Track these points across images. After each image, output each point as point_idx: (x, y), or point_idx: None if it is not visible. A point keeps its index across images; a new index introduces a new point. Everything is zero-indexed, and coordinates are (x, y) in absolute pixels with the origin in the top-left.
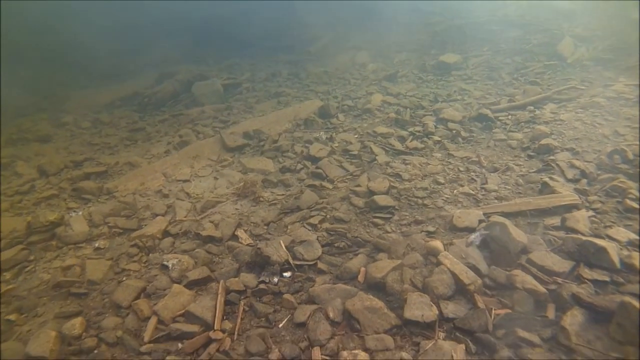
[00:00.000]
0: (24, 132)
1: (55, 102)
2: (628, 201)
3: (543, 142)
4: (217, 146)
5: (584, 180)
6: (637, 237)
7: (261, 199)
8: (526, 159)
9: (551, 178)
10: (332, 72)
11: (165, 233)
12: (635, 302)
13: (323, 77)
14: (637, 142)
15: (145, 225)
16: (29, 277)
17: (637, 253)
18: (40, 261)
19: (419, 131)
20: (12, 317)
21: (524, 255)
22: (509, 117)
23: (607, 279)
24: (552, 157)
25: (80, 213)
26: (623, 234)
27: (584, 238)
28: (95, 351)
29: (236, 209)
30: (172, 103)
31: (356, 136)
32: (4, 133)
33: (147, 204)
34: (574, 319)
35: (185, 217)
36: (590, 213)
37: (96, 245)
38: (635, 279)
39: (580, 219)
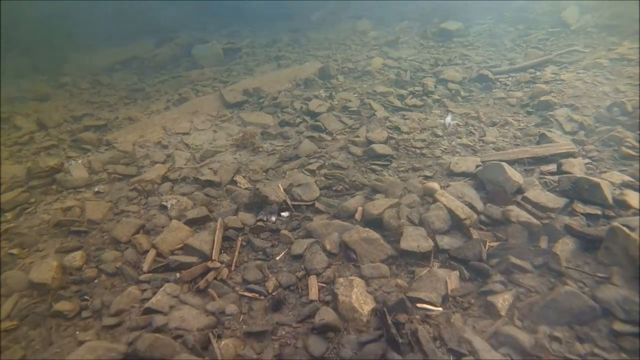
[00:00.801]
0: (23, 91)
1: (54, 65)
2: (624, 149)
3: (542, 98)
4: (217, 102)
5: (582, 132)
6: (631, 179)
7: (260, 149)
8: (525, 115)
9: (549, 131)
10: (333, 39)
11: (164, 178)
12: (623, 228)
13: (324, 43)
14: (637, 97)
15: (145, 172)
16: (30, 218)
17: (630, 191)
18: (40, 204)
19: (418, 90)
20: (14, 251)
21: (519, 195)
22: (510, 78)
23: (599, 212)
24: (550, 113)
25: (80, 161)
26: (617, 176)
27: (578, 175)
28: (96, 280)
29: (235, 158)
30: (171, 66)
31: (355, 95)
32: (2, 92)
33: (147, 153)
34: (565, 247)
35: (184, 165)
36: (587, 160)
37: (96, 189)
38: (626, 213)
39: (577, 164)
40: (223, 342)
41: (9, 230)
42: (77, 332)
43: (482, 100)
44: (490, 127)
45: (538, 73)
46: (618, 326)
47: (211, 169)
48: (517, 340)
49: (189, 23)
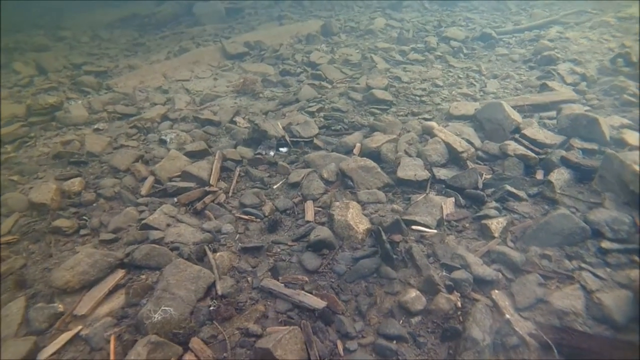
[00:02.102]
0: (21, 43)
1: (52, 20)
2: (626, 96)
3: (545, 54)
4: (218, 54)
5: (584, 83)
6: (631, 122)
7: (260, 95)
8: (527, 69)
9: (551, 83)
10: (336, 1)
11: (164, 117)
12: (618, 154)
13: (326, 4)
14: None
15: (145, 112)
16: (29, 150)
17: (628, 130)
18: (40, 138)
19: (420, 47)
20: (14, 177)
21: (517, 134)
22: (513, 38)
23: (595, 147)
24: (553, 67)
25: (80, 102)
26: (617, 120)
27: (577, 112)
28: (94, 204)
29: (235, 102)
30: (173, 24)
31: (357, 50)
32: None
33: (146, 96)
34: (560, 176)
35: (184, 107)
36: (587, 108)
37: (95, 127)
38: (622, 150)
39: (576, 109)
40: (218, 254)
41: (9, 159)
42: (75, 247)
43: (485, 57)
44: (492, 80)
45: (542, 32)
46: (606, 244)
47: (211, 111)
48: (509, 257)
49: None
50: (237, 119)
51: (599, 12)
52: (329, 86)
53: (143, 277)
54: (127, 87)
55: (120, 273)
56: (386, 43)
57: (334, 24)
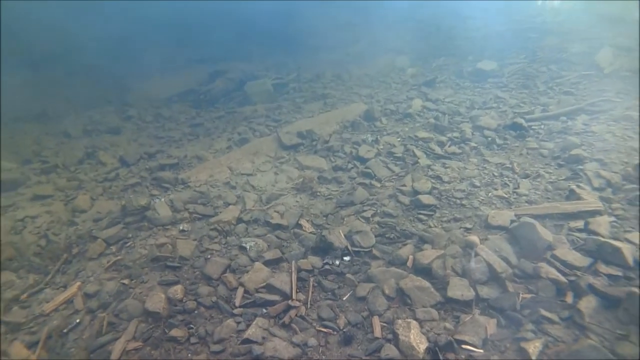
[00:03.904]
0: (96, 123)
1: (117, 95)
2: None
3: (573, 152)
4: (274, 144)
5: (609, 189)
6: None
7: (318, 193)
8: (556, 167)
9: (578, 186)
10: (373, 75)
11: (239, 220)
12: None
13: (365, 79)
14: None
15: (220, 212)
16: (130, 251)
17: None
18: (136, 238)
19: (456, 137)
20: (125, 281)
21: (549, 252)
22: (542, 126)
23: (620, 274)
24: (580, 167)
25: (162, 199)
26: (637, 236)
27: (602, 239)
28: (196, 312)
29: (296, 201)
30: (224, 100)
31: (399, 139)
32: (80, 124)
33: (219, 194)
34: (588, 304)
35: (253, 206)
36: (612, 219)
37: (180, 227)
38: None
39: (602, 224)
40: None
41: (117, 262)
42: (190, 355)
43: (516, 149)
44: (524, 179)
45: (570, 122)
46: None
47: (277, 211)
48: None
49: (234, 51)
50: (302, 222)
51: (623, 95)
52: (378, 185)
53: None
54: (199, 180)
55: None
56: (425, 131)
57: (375, 109)
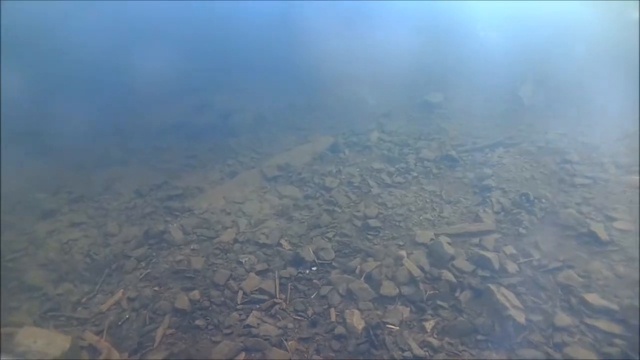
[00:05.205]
0: (103, 156)
1: (118, 129)
2: (520, 229)
3: (485, 182)
4: (259, 176)
5: (502, 213)
6: (515, 252)
7: (293, 218)
8: (472, 194)
9: (484, 210)
10: (340, 106)
11: (235, 240)
12: (493, 287)
13: (332, 111)
14: (544, 187)
15: (220, 234)
16: (156, 266)
17: (510, 261)
18: (159, 256)
19: (403, 167)
20: (156, 288)
21: (450, 262)
22: (470, 157)
23: (488, 275)
24: (488, 194)
25: (175, 225)
26: (510, 249)
27: (482, 252)
28: (210, 308)
29: (277, 224)
30: (212, 132)
31: (358, 170)
32: (88, 158)
33: (218, 219)
34: (465, 296)
35: (245, 229)
36: (499, 236)
37: (192, 247)
38: (506, 275)
39: (491, 240)
40: (289, 342)
41: (148, 275)
42: (209, 337)
43: (447, 178)
44: (447, 205)
45: (489, 154)
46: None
47: (263, 233)
48: (431, 344)
49: (215, 82)
50: (282, 241)
51: (532, 130)
52: (339, 210)
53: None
54: (201, 208)
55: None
56: (379, 163)
57: (340, 141)
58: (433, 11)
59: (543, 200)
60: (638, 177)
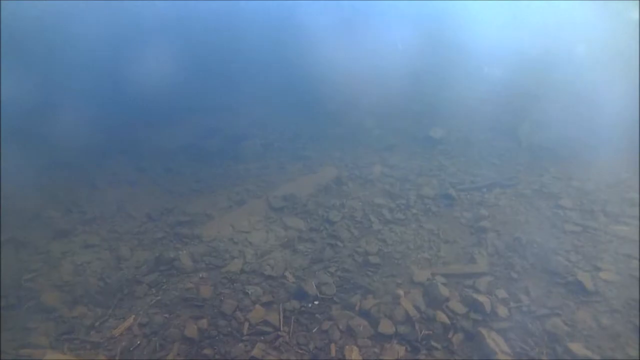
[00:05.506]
0: (116, 174)
1: (128, 146)
2: (512, 273)
3: (481, 223)
4: (265, 205)
5: (497, 256)
6: (507, 296)
7: (298, 250)
8: (468, 235)
9: (479, 252)
10: (344, 135)
11: (242, 270)
12: (484, 332)
13: (337, 142)
14: (537, 232)
15: (228, 264)
16: (166, 293)
17: (501, 305)
18: (169, 283)
19: (403, 204)
20: (166, 315)
21: (445, 303)
22: (468, 196)
23: (480, 318)
24: (484, 236)
25: (185, 252)
26: (502, 293)
27: (475, 296)
28: (217, 337)
29: (282, 256)
30: (220, 158)
31: (360, 204)
32: (103, 175)
33: (226, 248)
34: (457, 338)
35: (251, 259)
36: (491, 278)
37: (200, 275)
38: (496, 318)
39: (483, 283)
40: None
41: (158, 302)
42: None
43: (445, 216)
44: (444, 244)
45: (486, 195)
46: None
47: (269, 264)
48: None
49: (227, 102)
50: (286, 274)
51: (526, 173)
52: (341, 245)
53: None
54: (210, 236)
55: None
56: (381, 198)
57: (344, 174)
58: (440, 43)
59: (535, 246)
60: (625, 227)
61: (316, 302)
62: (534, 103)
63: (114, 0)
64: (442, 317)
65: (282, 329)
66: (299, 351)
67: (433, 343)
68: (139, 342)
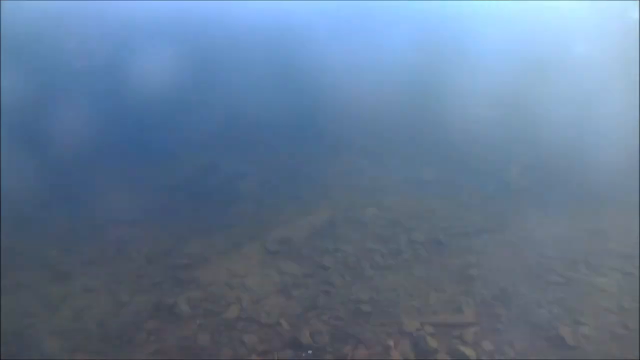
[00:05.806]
0: (115, 211)
1: (125, 184)
2: (498, 324)
3: (469, 271)
4: (261, 249)
5: (483, 305)
6: (492, 348)
7: (292, 296)
8: (456, 283)
9: (466, 302)
10: (338, 175)
11: (238, 318)
12: None
13: (331, 179)
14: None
15: (224, 310)
16: (165, 341)
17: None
18: (167, 330)
19: (395, 249)
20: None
21: (434, 355)
22: (458, 242)
23: None
24: (471, 284)
25: (183, 297)
26: (488, 345)
27: (461, 348)
28: None
29: (277, 302)
30: (218, 195)
31: (352, 248)
32: (100, 213)
33: (222, 293)
34: None
35: (247, 306)
36: (478, 329)
37: (198, 322)
38: None
39: (470, 333)
40: None
41: (157, 350)
42: None
43: (435, 262)
44: (433, 292)
45: (474, 241)
46: None
47: (264, 311)
48: None
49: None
50: (282, 321)
51: (516, 217)
52: (334, 292)
53: None
54: (207, 280)
55: None
56: (373, 242)
57: (338, 216)
58: (434, 82)
59: (520, 297)
60: (604, 279)
61: (310, 352)
62: (524, 147)
63: None
64: None
65: None
66: None
67: None
68: None
